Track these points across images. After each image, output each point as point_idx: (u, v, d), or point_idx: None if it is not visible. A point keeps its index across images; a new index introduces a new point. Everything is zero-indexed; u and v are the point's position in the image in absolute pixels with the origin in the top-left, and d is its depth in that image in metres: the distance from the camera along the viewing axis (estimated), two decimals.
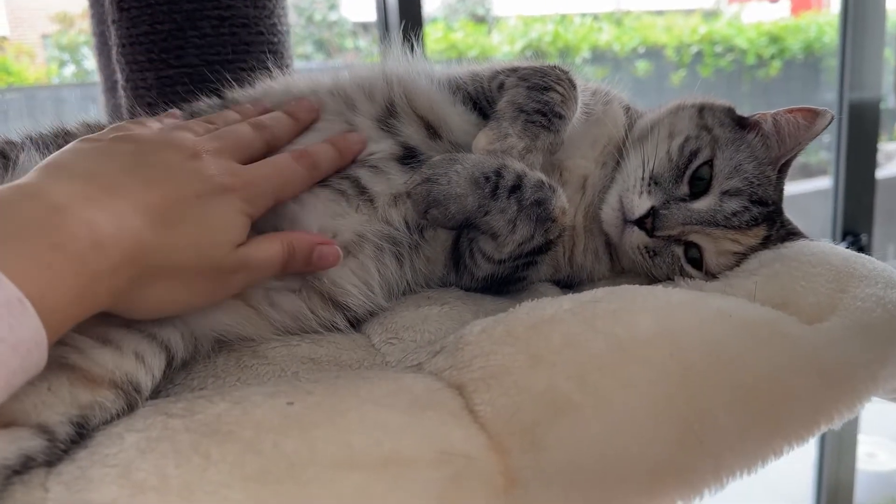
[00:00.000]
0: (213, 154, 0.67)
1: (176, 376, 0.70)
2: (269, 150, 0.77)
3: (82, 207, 0.54)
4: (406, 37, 0.93)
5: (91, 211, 0.54)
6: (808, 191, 3.54)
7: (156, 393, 0.67)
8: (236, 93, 0.93)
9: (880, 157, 3.15)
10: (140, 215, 0.57)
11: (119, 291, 0.57)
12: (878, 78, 3.08)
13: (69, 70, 3.39)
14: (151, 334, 0.66)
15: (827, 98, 3.87)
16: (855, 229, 3.15)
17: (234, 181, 0.66)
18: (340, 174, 0.81)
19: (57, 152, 0.62)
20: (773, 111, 0.86)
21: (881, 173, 3.14)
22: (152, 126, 0.75)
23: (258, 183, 0.69)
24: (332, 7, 3.89)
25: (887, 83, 3.12)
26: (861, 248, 3.13)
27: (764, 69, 3.98)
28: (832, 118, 0.82)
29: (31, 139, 0.81)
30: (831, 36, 3.91)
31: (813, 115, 0.83)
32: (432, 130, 0.85)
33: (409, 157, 0.83)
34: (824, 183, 3.18)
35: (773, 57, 3.97)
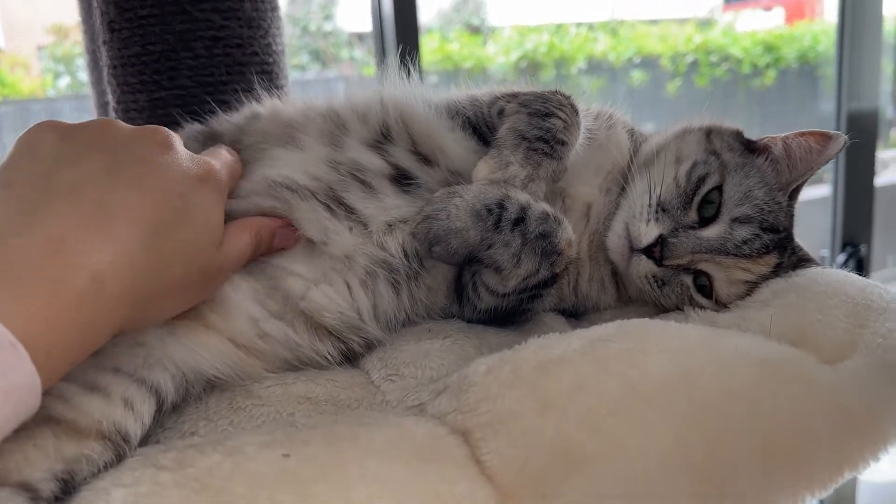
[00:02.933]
0: (176, 142, 0.64)
1: (166, 419, 0.67)
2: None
3: (78, 240, 0.51)
4: (403, 61, 0.90)
5: (87, 244, 0.51)
6: (806, 200, 3.52)
7: (145, 437, 0.64)
8: (219, 120, 0.90)
9: (876, 165, 3.15)
10: (134, 234, 0.54)
11: (116, 325, 0.54)
12: (876, 87, 3.08)
13: (64, 81, 3.38)
14: (141, 378, 0.63)
15: (824, 107, 3.86)
16: (854, 240, 3.14)
17: (206, 169, 0.65)
18: (327, 192, 0.77)
19: (12, 160, 0.57)
20: (782, 134, 0.83)
21: (877, 182, 3.13)
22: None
23: (221, 170, 0.68)
24: (328, 17, 3.89)
25: (885, 93, 3.11)
26: (860, 260, 3.12)
27: (759, 78, 3.97)
28: (846, 143, 0.79)
29: None
30: (826, 45, 3.91)
31: (825, 138, 0.80)
32: (423, 157, 0.82)
33: (403, 177, 0.80)
34: (821, 192, 3.17)
35: (768, 66, 3.97)
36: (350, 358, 0.78)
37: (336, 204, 0.77)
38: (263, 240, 0.72)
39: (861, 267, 3.12)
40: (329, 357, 0.75)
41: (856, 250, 3.12)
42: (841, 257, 3.10)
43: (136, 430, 0.61)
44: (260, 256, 0.74)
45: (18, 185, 0.54)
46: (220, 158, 0.71)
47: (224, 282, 0.70)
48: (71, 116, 2.78)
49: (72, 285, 0.49)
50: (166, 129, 0.65)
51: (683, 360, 0.58)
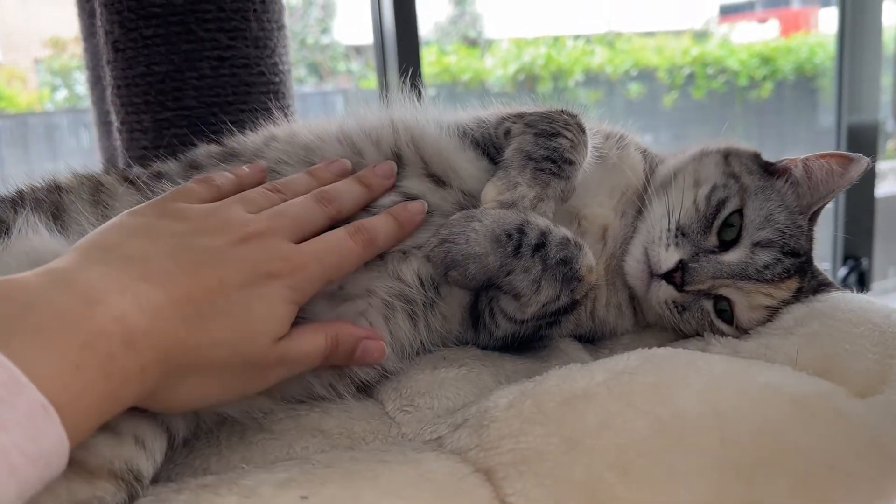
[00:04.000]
0: (265, 236, 0.63)
1: (177, 455, 0.65)
2: (332, 224, 0.71)
3: (116, 300, 0.50)
4: (411, 80, 0.89)
5: (125, 304, 0.51)
6: None
7: (155, 475, 0.62)
8: (237, 140, 0.88)
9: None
10: (175, 308, 0.54)
11: (146, 391, 0.53)
12: (876, 100, 3.08)
13: (61, 94, 3.37)
14: (151, 415, 0.61)
15: (821, 119, 3.87)
16: (855, 253, 3.13)
17: (282, 266, 0.62)
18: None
19: (101, 228, 0.59)
20: (802, 156, 0.82)
21: (876, 193, 3.13)
22: (220, 183, 0.71)
23: (309, 266, 0.64)
24: (325, 30, 3.88)
25: (885, 104, 3.11)
26: (862, 273, 3.11)
27: (756, 90, 3.97)
28: (868, 165, 0.78)
29: (22, 198, 0.76)
30: (822, 56, 3.92)
31: (847, 160, 0.79)
32: (437, 179, 0.80)
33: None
34: None
35: (764, 78, 3.97)
36: (365, 387, 0.77)
37: None
38: (341, 347, 0.67)
39: (862, 280, 3.11)
40: (343, 394, 0.73)
41: (857, 264, 3.11)
42: (842, 271, 3.10)
43: (147, 468, 0.59)
44: (343, 365, 0.71)
45: (85, 248, 0.56)
46: (328, 252, 0.66)
47: (284, 377, 0.64)
48: (68, 130, 2.76)
49: (104, 347, 0.48)
50: (262, 222, 0.63)
51: (712, 396, 0.57)
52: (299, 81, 3.63)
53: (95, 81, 1.31)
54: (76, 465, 0.54)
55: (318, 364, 0.66)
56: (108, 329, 0.48)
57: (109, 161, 1.27)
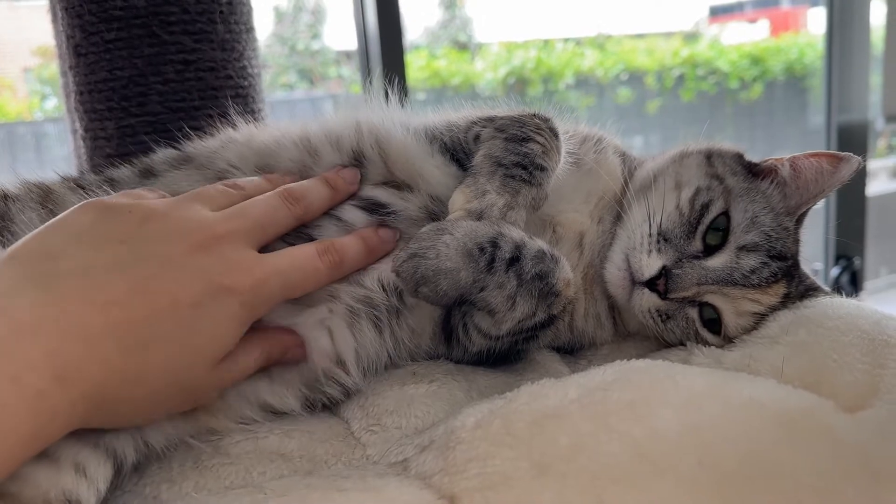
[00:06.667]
0: (226, 241, 0.58)
1: (125, 482, 0.61)
2: (299, 226, 0.69)
3: (49, 330, 0.47)
4: (384, 83, 0.85)
5: (58, 336, 0.47)
6: None
7: (103, 502, 0.58)
8: (194, 144, 0.84)
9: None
10: (114, 336, 0.50)
11: (75, 423, 0.49)
12: (865, 99, 3.06)
13: (51, 103, 3.34)
14: (95, 441, 0.57)
15: (812, 119, 3.85)
16: (847, 252, 3.11)
17: (241, 280, 0.57)
18: (297, 231, 0.72)
19: (44, 229, 0.54)
20: (788, 156, 0.78)
21: (867, 192, 3.12)
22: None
23: (270, 281, 0.59)
24: (315, 36, 3.86)
25: (874, 104, 3.10)
26: (854, 273, 3.09)
27: (746, 91, 3.96)
28: (860, 164, 0.74)
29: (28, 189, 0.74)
30: (811, 56, 3.90)
31: (837, 160, 0.75)
32: (402, 184, 0.76)
33: (376, 206, 0.75)
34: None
35: (755, 79, 3.95)
36: (329, 405, 0.73)
37: (307, 241, 0.71)
38: (273, 357, 0.66)
39: (855, 280, 3.09)
40: (301, 412, 0.69)
41: (849, 263, 3.09)
42: (835, 270, 3.07)
43: (89, 498, 0.55)
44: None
45: (23, 259, 0.51)
46: (292, 269, 0.63)
47: (219, 393, 0.62)
48: (56, 138, 2.74)
49: (32, 382, 0.45)
50: (223, 223, 0.59)
51: (692, 415, 0.53)
52: (289, 87, 3.60)
53: (66, 88, 1.28)
54: (7, 497, 0.50)
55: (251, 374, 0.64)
56: (37, 364, 0.45)
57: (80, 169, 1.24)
